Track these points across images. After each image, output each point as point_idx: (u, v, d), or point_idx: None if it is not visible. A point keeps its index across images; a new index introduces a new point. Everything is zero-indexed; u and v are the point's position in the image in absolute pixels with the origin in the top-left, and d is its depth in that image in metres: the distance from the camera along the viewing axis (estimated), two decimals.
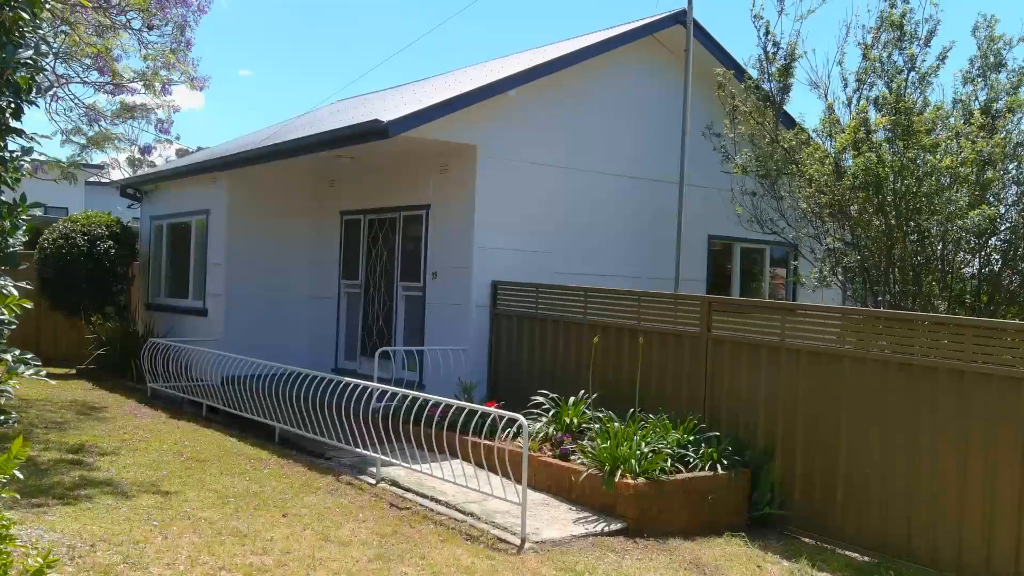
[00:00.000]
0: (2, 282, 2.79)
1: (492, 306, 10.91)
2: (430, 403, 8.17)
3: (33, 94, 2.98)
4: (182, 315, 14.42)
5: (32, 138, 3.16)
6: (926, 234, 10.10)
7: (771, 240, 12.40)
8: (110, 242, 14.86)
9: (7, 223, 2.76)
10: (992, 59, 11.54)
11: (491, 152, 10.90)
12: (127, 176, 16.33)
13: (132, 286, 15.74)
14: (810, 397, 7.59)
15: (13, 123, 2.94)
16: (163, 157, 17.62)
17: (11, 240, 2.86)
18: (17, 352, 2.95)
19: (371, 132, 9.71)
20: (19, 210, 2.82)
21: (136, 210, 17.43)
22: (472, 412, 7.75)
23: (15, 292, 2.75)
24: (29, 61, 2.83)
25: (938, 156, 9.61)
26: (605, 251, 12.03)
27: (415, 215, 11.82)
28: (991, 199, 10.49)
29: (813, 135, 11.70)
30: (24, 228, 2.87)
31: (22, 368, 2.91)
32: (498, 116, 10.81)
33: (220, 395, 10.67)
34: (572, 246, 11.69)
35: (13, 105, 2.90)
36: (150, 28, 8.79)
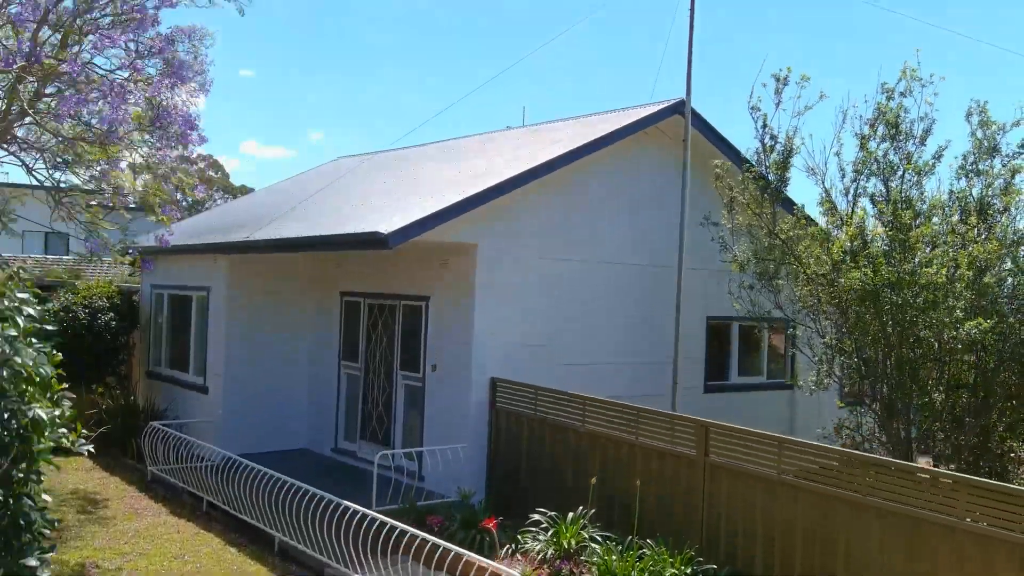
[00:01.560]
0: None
1: (491, 403, 10.97)
2: (427, 523, 8.17)
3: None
4: (183, 388, 14.47)
5: None
6: (923, 338, 10.15)
7: (767, 317, 12.47)
8: (111, 314, 14.94)
9: None
10: (986, 144, 11.62)
11: (491, 248, 10.97)
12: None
13: (133, 356, 15.80)
14: (807, 532, 7.64)
15: None
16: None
17: None
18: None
19: (371, 242, 9.79)
20: None
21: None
22: (470, 563, 7.77)
23: None
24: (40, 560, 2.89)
25: (934, 268, 9.66)
26: (605, 338, 12.09)
27: (415, 306, 11.88)
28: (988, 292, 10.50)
29: (812, 224, 11.78)
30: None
31: None
32: (497, 215, 10.86)
33: (221, 490, 10.66)
34: (572, 335, 11.75)
35: None
36: (148, 167, 8.87)
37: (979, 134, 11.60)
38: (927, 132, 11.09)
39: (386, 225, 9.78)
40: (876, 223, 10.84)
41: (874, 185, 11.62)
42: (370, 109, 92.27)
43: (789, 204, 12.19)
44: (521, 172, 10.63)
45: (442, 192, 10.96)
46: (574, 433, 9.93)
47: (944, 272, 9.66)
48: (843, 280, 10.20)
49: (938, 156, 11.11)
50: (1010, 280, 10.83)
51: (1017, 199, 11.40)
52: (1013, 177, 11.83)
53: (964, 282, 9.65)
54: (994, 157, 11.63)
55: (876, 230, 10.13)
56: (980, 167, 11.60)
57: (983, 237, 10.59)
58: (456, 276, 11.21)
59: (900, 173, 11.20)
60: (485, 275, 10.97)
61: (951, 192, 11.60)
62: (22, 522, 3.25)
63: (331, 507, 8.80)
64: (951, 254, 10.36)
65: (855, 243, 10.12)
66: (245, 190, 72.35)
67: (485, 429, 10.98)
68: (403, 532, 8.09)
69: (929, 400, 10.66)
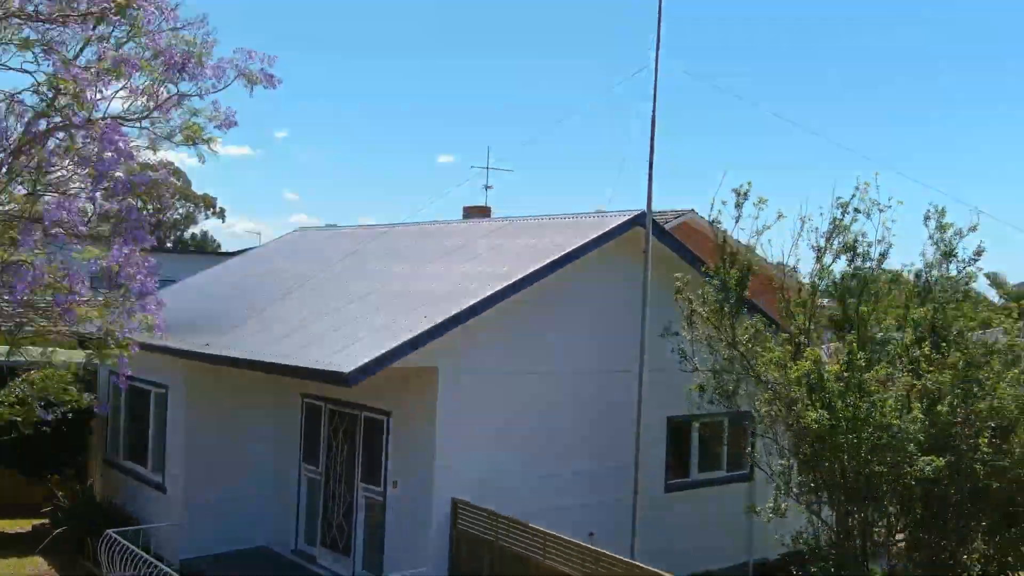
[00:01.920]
0: None
1: (453, 526, 10.96)
2: None
3: None
4: (141, 483, 14.29)
5: None
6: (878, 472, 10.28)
7: (728, 412, 12.58)
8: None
9: None
10: (943, 248, 11.87)
11: (452, 369, 10.98)
12: None
13: (91, 443, 15.57)
14: None
15: None
16: None
17: None
18: None
19: (333, 380, 9.77)
20: None
21: None
22: None
23: None
24: None
25: (887, 408, 9.79)
26: (569, 444, 12.18)
27: (377, 419, 11.83)
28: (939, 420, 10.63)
29: (771, 328, 11.95)
30: None
31: None
32: (457, 336, 10.80)
33: None
34: (536, 445, 11.81)
35: None
36: (108, 303, 8.80)
37: (936, 237, 11.86)
38: (884, 256, 11.33)
39: (346, 362, 9.74)
40: (835, 351, 11.01)
41: (828, 300, 11.85)
42: (336, 110, 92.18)
43: (753, 307, 12.33)
44: (480, 299, 10.63)
45: (402, 314, 10.97)
46: (535, 566, 9.95)
47: (896, 412, 9.80)
48: (799, 412, 10.34)
49: (895, 280, 11.36)
50: (959, 406, 10.85)
51: (969, 321, 11.63)
52: (968, 285, 12.12)
53: (916, 423, 9.80)
54: (950, 262, 11.91)
55: (833, 368, 10.24)
56: (932, 282, 11.84)
57: (936, 364, 10.72)
58: (417, 395, 11.19)
59: (858, 294, 11.41)
60: (446, 395, 10.97)
61: (908, 308, 11.82)
62: None
63: None
64: (905, 380, 10.54)
65: (812, 377, 10.23)
66: (208, 200, 71.35)
67: (447, 551, 10.97)
68: None
69: (885, 512, 10.88)
